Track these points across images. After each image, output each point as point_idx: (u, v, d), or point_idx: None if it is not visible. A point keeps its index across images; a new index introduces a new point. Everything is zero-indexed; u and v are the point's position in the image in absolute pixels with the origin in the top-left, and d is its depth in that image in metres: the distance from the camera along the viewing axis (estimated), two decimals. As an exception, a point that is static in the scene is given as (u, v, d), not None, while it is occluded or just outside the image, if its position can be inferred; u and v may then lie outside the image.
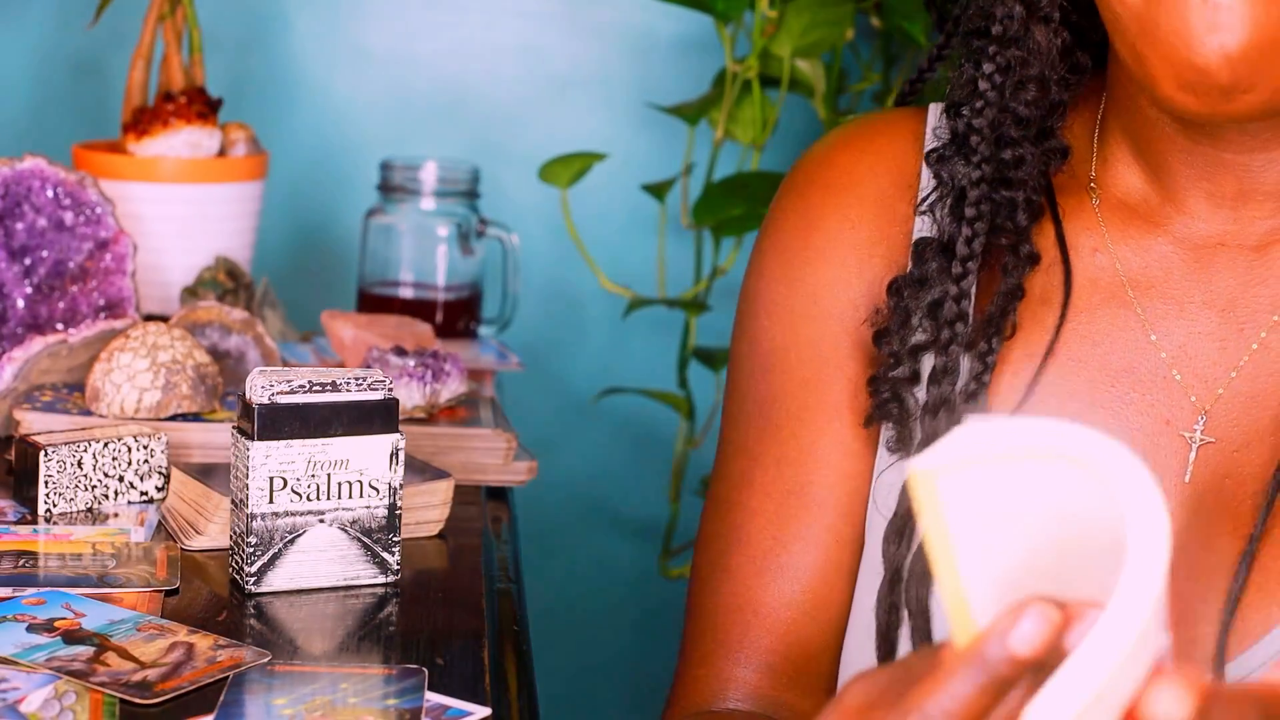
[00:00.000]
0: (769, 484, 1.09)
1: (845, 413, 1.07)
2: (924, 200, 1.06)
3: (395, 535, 1.08)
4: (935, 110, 1.10)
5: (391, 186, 1.67)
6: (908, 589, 1.01)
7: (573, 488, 1.91)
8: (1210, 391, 1.01)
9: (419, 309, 1.64)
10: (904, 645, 1.01)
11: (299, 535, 1.06)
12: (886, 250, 1.07)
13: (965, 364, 1.03)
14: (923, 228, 1.06)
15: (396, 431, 1.07)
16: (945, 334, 1.02)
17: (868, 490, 1.07)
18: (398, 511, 1.08)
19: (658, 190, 1.78)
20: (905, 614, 1.01)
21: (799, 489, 1.08)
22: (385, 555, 1.08)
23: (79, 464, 1.16)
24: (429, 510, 1.17)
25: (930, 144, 1.08)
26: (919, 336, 1.04)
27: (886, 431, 1.04)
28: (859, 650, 1.05)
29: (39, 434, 1.18)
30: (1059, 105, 1.04)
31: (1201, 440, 1.00)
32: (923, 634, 1.00)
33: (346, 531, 1.07)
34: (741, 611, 1.09)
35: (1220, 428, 1.00)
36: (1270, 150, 1.00)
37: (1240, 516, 0.99)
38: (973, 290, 1.03)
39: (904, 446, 1.03)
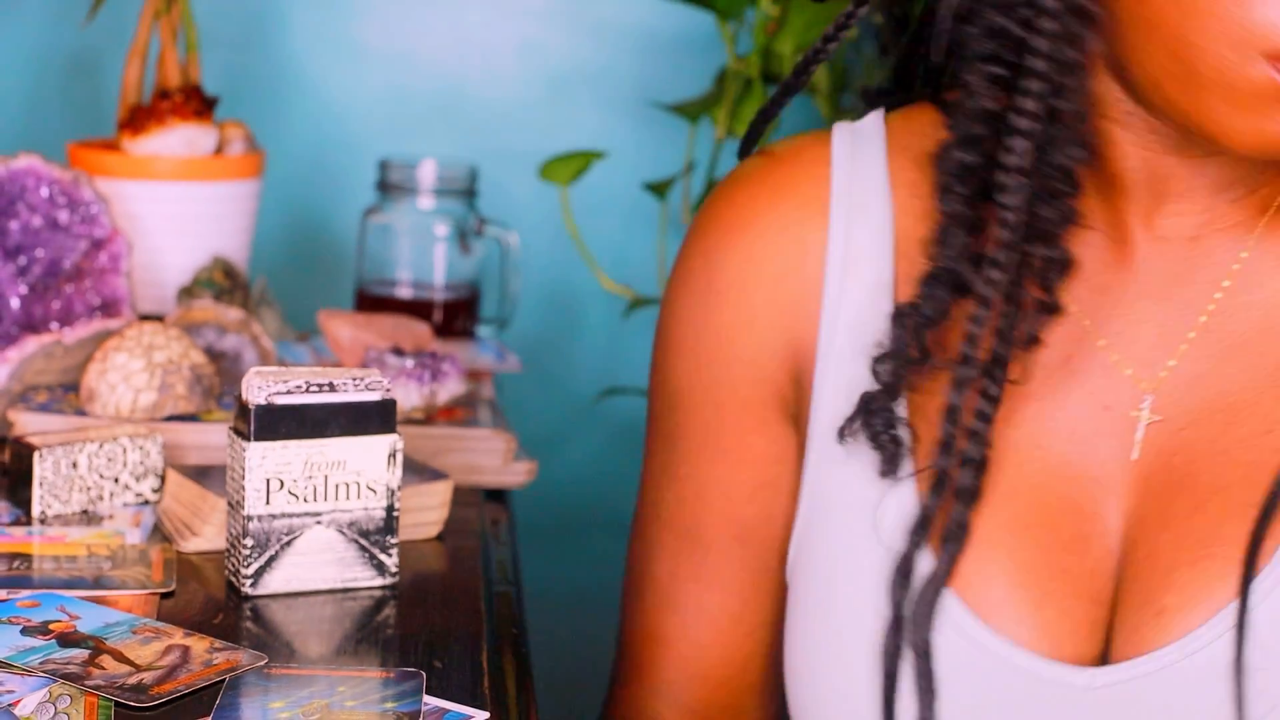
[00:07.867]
0: (669, 520, 1.12)
1: (742, 455, 1.08)
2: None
3: (393, 537, 1.07)
4: (841, 131, 1.08)
5: (389, 185, 1.67)
6: (913, 630, 0.97)
7: (573, 489, 1.90)
8: (1153, 374, 1.01)
9: (417, 309, 1.63)
10: (906, 686, 0.98)
11: (296, 537, 1.05)
12: (798, 279, 1.07)
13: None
14: (838, 243, 1.05)
15: (394, 432, 1.07)
16: (960, 370, 0.98)
17: (773, 536, 1.09)
18: (395, 513, 1.07)
19: (659, 189, 1.77)
20: (909, 653, 0.98)
21: (692, 530, 1.11)
22: (383, 557, 1.07)
23: (74, 465, 1.16)
24: (427, 512, 1.16)
25: (842, 166, 1.06)
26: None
27: (874, 461, 1.02)
28: (856, 688, 1.01)
29: (34, 435, 1.17)
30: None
31: (1150, 419, 1.00)
32: (924, 675, 0.97)
33: (344, 533, 1.06)
34: (650, 641, 1.13)
35: (1164, 407, 1.01)
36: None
37: (1197, 492, 0.98)
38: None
39: (892, 474, 1.01)
